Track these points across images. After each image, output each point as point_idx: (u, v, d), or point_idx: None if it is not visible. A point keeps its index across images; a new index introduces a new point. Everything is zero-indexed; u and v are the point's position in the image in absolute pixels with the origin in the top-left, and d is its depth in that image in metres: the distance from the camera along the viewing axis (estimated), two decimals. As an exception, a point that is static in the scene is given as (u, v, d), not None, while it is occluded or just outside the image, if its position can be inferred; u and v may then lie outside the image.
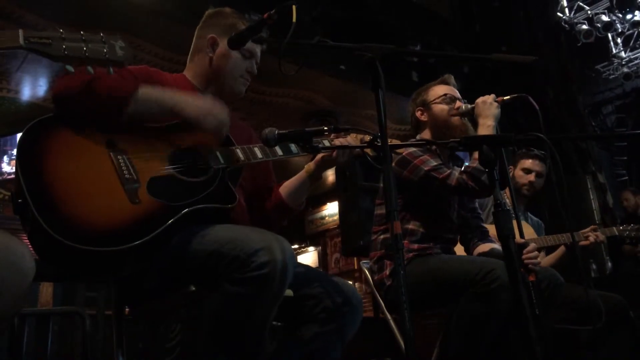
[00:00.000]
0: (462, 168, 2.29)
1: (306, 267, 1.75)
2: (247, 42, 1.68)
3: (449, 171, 2.22)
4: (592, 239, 2.88)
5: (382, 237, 2.39)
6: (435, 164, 2.26)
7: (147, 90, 1.53)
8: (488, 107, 2.20)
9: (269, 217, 1.90)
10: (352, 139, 1.81)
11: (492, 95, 2.23)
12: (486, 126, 2.17)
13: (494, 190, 1.39)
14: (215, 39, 1.82)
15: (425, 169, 2.24)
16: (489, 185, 2.05)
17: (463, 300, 2.05)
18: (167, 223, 1.42)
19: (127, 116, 1.49)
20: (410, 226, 2.33)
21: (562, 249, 3.02)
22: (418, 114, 2.52)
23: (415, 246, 2.29)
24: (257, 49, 1.87)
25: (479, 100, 2.24)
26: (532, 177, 3.15)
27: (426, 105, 2.49)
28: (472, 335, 2.03)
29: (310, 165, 1.84)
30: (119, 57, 1.29)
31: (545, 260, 3.01)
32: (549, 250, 3.12)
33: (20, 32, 1.18)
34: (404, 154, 2.30)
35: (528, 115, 5.93)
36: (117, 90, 1.47)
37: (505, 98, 2.20)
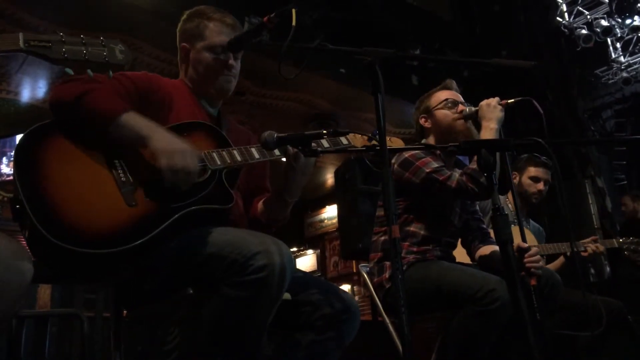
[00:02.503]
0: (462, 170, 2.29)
1: (304, 273, 1.75)
2: (246, 45, 1.68)
3: (449, 173, 2.21)
4: (590, 250, 2.91)
5: (383, 238, 2.39)
6: (436, 165, 2.25)
7: (131, 117, 1.48)
8: (492, 110, 2.19)
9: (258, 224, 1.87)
10: (357, 142, 1.80)
11: (497, 98, 2.22)
12: (489, 129, 2.16)
13: (493, 193, 1.39)
14: (185, 47, 1.82)
15: (427, 170, 2.24)
16: (489, 187, 2.06)
17: (462, 313, 2.05)
18: (164, 224, 1.42)
19: (108, 136, 1.47)
20: (412, 228, 2.33)
21: (561, 259, 3.04)
22: (422, 121, 2.51)
23: (415, 248, 2.30)
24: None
25: (483, 103, 2.24)
26: (541, 185, 3.13)
27: (429, 112, 2.48)
28: (468, 347, 2.04)
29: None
30: (119, 61, 1.30)
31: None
32: (549, 258, 3.12)
33: (21, 35, 1.18)
34: (406, 155, 2.30)
35: (528, 119, 5.93)
36: (102, 109, 1.45)
37: (509, 101, 2.20)
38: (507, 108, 2.20)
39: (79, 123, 1.48)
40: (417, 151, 2.30)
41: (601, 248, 2.92)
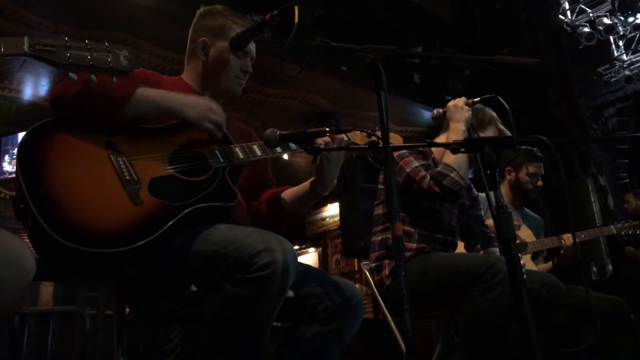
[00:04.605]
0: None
1: (306, 267, 1.74)
2: (248, 43, 1.68)
3: (424, 173, 2.23)
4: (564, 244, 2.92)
5: (380, 237, 2.39)
6: (416, 164, 2.27)
7: (145, 91, 1.54)
8: (459, 111, 2.24)
9: (265, 218, 1.89)
10: (357, 139, 1.81)
11: (463, 99, 2.27)
12: (457, 130, 2.21)
13: (497, 191, 1.38)
14: (205, 42, 1.82)
15: (407, 170, 2.26)
16: (453, 190, 2.11)
17: (468, 299, 2.03)
18: (169, 223, 1.42)
19: (126, 117, 1.50)
20: (407, 228, 2.32)
21: (550, 264, 3.04)
22: None
23: (414, 245, 2.29)
24: (252, 46, 1.86)
25: (450, 104, 2.28)
26: (540, 182, 3.16)
27: None
28: (482, 332, 2.00)
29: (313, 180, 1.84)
30: (123, 67, 1.30)
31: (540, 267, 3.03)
32: (548, 252, 3.12)
33: (26, 39, 1.18)
34: (394, 155, 2.30)
35: (531, 119, 5.93)
36: (115, 91, 1.47)
37: (475, 100, 2.25)
38: (472, 106, 2.26)
39: (88, 112, 1.47)
40: (403, 151, 2.31)
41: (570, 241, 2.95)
